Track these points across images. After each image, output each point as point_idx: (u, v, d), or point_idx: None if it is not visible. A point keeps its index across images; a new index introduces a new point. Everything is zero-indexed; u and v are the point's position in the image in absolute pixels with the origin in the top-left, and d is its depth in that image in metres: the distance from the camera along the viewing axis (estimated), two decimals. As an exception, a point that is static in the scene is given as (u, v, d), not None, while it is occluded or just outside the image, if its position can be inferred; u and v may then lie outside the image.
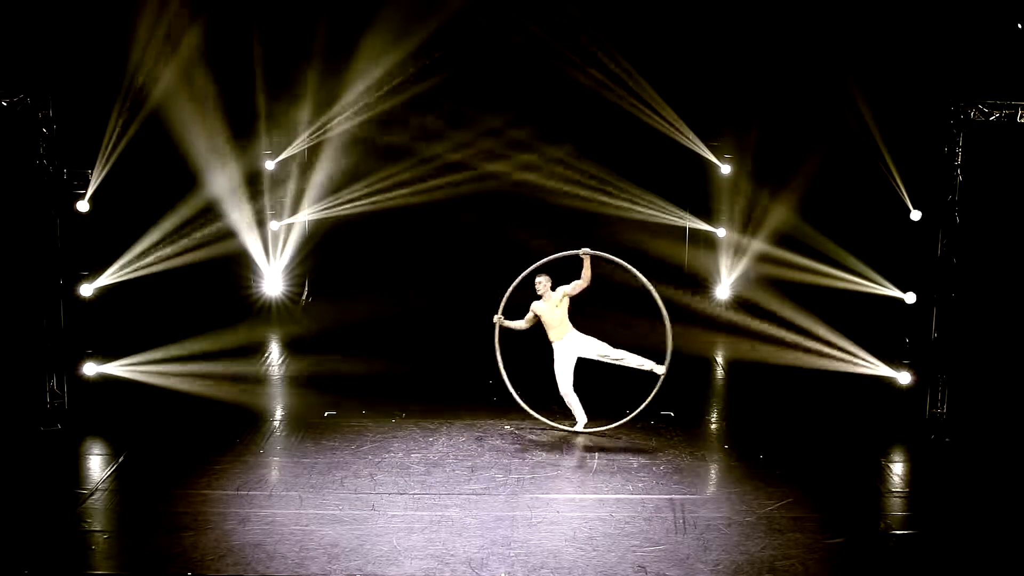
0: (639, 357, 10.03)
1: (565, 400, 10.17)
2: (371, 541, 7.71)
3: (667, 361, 9.91)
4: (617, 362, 10.07)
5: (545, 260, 10.00)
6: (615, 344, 10.07)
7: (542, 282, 10.07)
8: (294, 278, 15.45)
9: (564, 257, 10.01)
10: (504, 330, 10.14)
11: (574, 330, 10.09)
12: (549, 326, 10.08)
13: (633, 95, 14.17)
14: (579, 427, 10.19)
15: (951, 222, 10.56)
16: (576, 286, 10.01)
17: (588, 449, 9.80)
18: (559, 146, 15.22)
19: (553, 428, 10.18)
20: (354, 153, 15.12)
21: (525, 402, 10.10)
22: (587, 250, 9.95)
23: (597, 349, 10.06)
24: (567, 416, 10.28)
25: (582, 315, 10.33)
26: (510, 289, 10.07)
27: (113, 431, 10.13)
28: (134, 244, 12.57)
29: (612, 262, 10.06)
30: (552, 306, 10.03)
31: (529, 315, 10.13)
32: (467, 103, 14.89)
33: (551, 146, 15.24)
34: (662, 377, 9.92)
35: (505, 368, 10.04)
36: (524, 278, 10.03)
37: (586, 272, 9.96)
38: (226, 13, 13.04)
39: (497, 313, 10.09)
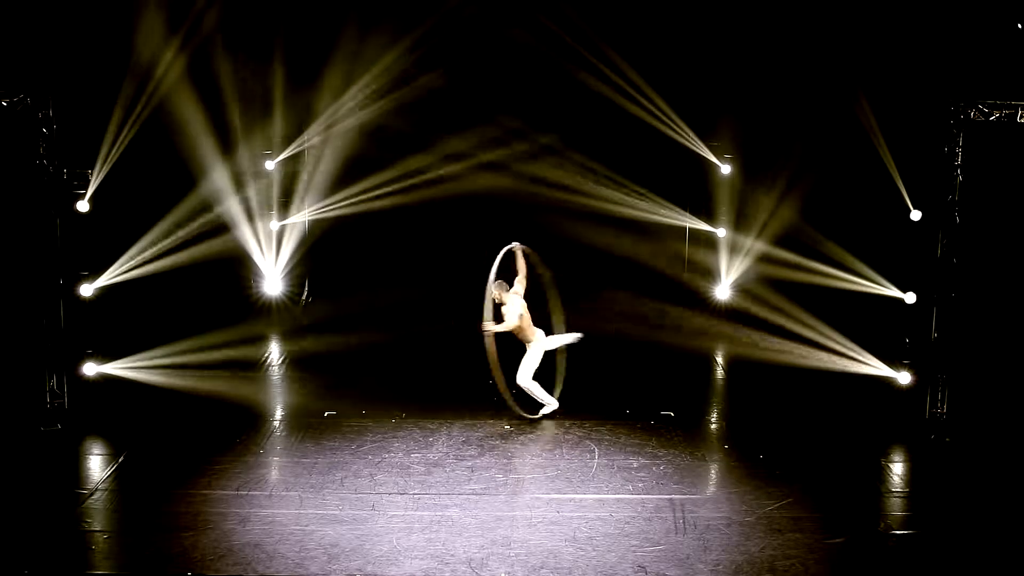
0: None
1: (527, 389, 10.40)
2: (371, 541, 7.71)
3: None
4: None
5: (495, 267, 10.18)
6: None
7: (502, 284, 10.24)
8: (294, 278, 15.45)
9: (503, 257, 10.26)
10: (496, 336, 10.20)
11: (539, 330, 10.44)
12: (520, 328, 10.26)
13: (633, 95, 14.17)
14: (549, 409, 10.47)
15: (951, 222, 10.56)
16: (519, 283, 10.35)
17: (588, 449, 9.80)
18: (558, 145, 15.21)
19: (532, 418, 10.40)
20: (353, 151, 15.12)
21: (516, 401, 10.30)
22: (516, 244, 10.35)
23: (548, 346, 10.45)
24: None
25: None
26: (488, 299, 10.15)
27: (113, 431, 10.13)
28: (134, 244, 12.56)
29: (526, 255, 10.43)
30: (522, 315, 10.26)
31: (512, 322, 10.19)
32: (466, 103, 14.88)
33: (550, 145, 15.22)
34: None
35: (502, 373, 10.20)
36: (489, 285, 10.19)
37: (520, 264, 10.34)
38: (228, 12, 13.03)
39: (485, 320, 10.11)
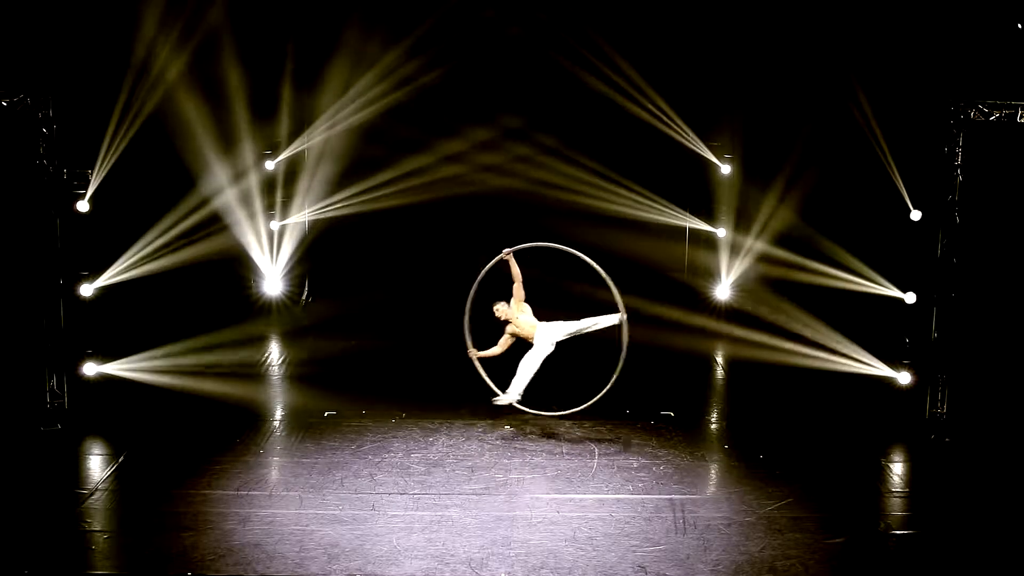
0: (601, 317, 10.02)
1: (520, 377, 10.00)
2: (371, 541, 7.71)
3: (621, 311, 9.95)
4: (591, 328, 10.04)
5: (479, 277, 10.04)
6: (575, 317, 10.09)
7: (500, 309, 10.09)
8: (294, 278, 15.45)
9: (493, 266, 10.03)
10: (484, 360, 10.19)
11: (541, 323, 10.09)
12: (526, 336, 10.09)
13: (633, 95, 14.17)
14: (501, 400, 10.05)
15: (951, 222, 10.56)
16: (517, 290, 10.04)
17: (588, 449, 9.80)
18: (558, 145, 15.21)
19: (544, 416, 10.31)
20: (352, 152, 15.11)
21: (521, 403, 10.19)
22: (507, 250, 9.94)
23: (566, 329, 10.03)
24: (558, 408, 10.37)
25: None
26: (466, 319, 10.14)
27: (113, 431, 10.13)
28: (134, 244, 12.56)
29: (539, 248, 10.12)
30: (518, 322, 10.07)
31: (504, 340, 10.11)
32: (466, 102, 14.88)
33: (550, 145, 15.22)
34: (622, 322, 9.96)
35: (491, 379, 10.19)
36: (473, 301, 10.10)
37: (514, 271, 9.98)
38: (226, 12, 13.03)
39: (469, 348, 10.15)
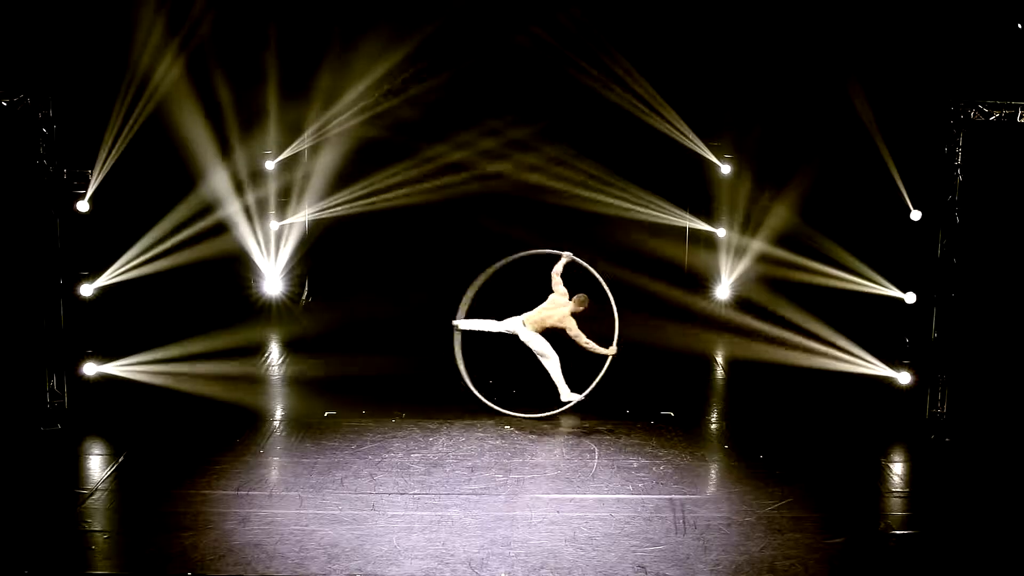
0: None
1: (480, 322, 10.75)
2: (371, 541, 7.71)
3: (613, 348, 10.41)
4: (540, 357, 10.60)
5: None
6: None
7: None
8: (294, 278, 15.45)
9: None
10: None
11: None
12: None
13: (633, 95, 14.17)
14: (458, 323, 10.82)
15: (951, 222, 10.56)
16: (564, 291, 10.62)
17: (588, 449, 9.80)
18: (559, 146, 15.21)
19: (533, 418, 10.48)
20: (352, 152, 15.11)
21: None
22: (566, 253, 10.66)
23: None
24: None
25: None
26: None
27: (113, 431, 10.13)
28: (134, 244, 12.56)
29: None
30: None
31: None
32: (467, 102, 14.88)
33: (551, 146, 15.23)
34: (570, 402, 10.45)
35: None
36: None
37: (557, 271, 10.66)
38: (230, 11, 13.03)
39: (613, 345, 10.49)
